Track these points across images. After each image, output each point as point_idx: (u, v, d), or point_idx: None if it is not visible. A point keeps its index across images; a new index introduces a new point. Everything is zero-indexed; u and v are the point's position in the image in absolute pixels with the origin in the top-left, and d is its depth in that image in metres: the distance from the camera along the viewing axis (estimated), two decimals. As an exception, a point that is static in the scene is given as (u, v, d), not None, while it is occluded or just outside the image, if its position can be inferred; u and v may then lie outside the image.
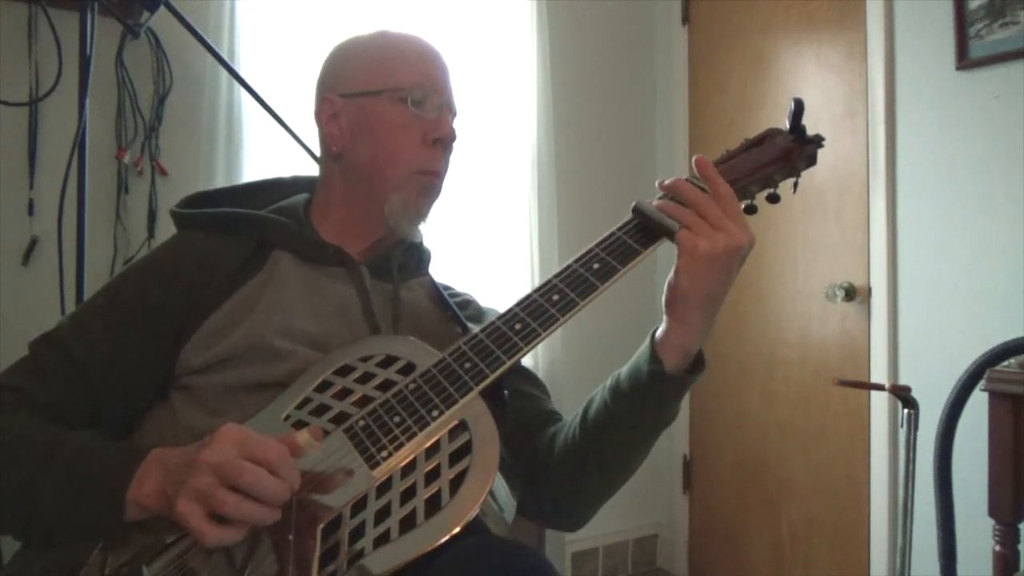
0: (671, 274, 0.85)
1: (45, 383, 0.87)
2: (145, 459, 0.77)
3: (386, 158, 0.98)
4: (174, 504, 0.70)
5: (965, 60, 1.94)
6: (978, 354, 1.62)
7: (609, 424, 0.90)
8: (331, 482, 0.76)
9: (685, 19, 2.83)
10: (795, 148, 0.97)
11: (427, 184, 1.01)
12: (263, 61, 2.07)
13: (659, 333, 0.88)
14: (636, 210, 0.87)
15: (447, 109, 1.01)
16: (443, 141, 1.00)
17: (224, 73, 1.94)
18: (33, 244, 1.85)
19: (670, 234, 0.84)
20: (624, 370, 0.91)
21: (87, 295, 1.64)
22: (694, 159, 0.87)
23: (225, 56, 1.91)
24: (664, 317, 0.87)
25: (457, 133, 1.03)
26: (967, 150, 1.96)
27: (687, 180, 0.88)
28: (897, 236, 2.12)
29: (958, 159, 1.98)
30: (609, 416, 0.90)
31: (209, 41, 1.84)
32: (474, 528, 0.75)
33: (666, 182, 0.88)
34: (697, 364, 0.89)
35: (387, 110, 0.98)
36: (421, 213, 1.02)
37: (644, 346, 0.89)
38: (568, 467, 0.93)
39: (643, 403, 0.88)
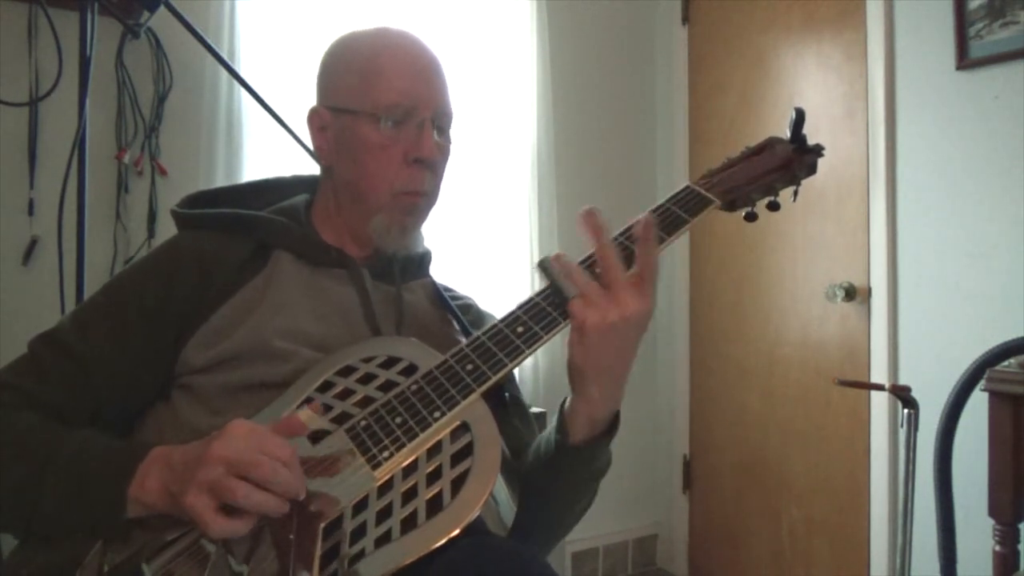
0: (566, 346, 0.82)
1: (45, 381, 0.87)
2: (147, 456, 0.77)
3: (367, 180, 0.97)
4: (182, 498, 0.70)
5: (965, 60, 1.94)
6: (978, 354, 1.63)
7: (539, 479, 0.91)
8: (338, 465, 0.76)
9: (685, 19, 2.83)
10: (795, 157, 0.98)
11: (410, 205, 0.98)
12: (263, 61, 2.07)
13: (567, 403, 0.87)
14: (540, 267, 0.83)
15: (430, 125, 0.96)
16: (423, 161, 0.97)
17: (224, 73, 1.94)
18: (33, 244, 1.85)
19: (564, 301, 0.81)
20: (544, 434, 0.92)
21: (87, 295, 1.64)
22: (642, 220, 0.82)
23: (225, 56, 1.91)
24: (570, 388, 0.86)
25: (447, 146, 1.00)
26: (967, 150, 1.96)
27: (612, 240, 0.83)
28: (897, 236, 2.12)
29: (958, 159, 1.98)
30: (538, 473, 0.91)
31: (209, 41, 1.84)
32: (474, 529, 0.75)
33: (589, 220, 0.80)
34: (612, 427, 0.87)
35: (365, 131, 0.95)
36: (407, 231, 1.00)
37: (554, 418, 0.88)
38: (519, 506, 0.92)
39: (559, 469, 0.88)
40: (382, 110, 0.95)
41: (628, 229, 0.87)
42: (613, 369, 0.81)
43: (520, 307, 0.86)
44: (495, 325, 0.85)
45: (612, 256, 0.80)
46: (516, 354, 0.83)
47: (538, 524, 0.93)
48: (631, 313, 0.78)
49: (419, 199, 0.99)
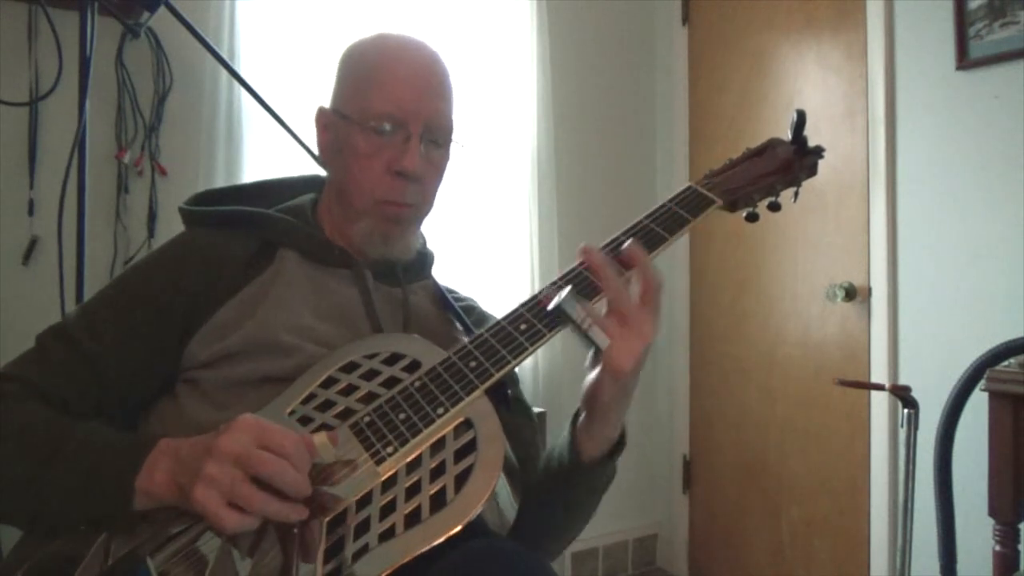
0: (591, 381, 0.85)
1: (51, 374, 0.87)
2: (154, 448, 0.77)
3: (352, 184, 0.98)
4: (190, 491, 0.70)
5: (965, 60, 1.94)
6: (978, 354, 1.62)
7: (549, 491, 0.93)
8: (335, 476, 0.76)
9: (685, 19, 2.83)
10: (796, 159, 0.99)
11: (390, 214, 0.98)
12: (263, 61, 2.07)
13: (580, 423, 0.90)
14: (559, 314, 0.83)
15: (417, 140, 0.95)
16: (404, 174, 0.95)
17: (224, 73, 1.94)
18: (33, 244, 1.85)
19: (598, 350, 0.82)
20: (555, 449, 0.94)
21: (87, 295, 1.64)
22: (626, 250, 0.87)
23: (225, 56, 1.91)
24: (583, 409, 0.89)
25: (440, 161, 0.99)
26: (967, 150, 1.96)
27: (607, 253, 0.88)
28: (897, 236, 2.12)
29: (958, 159, 1.98)
30: (548, 484, 0.94)
31: (209, 41, 1.84)
32: (475, 526, 0.75)
33: (588, 255, 0.86)
34: (619, 443, 0.91)
35: (355, 137, 0.96)
36: (389, 239, 0.99)
37: (565, 433, 0.91)
38: (523, 512, 0.93)
39: (574, 483, 0.92)
40: (371, 119, 0.95)
41: (614, 241, 0.91)
42: (631, 392, 0.86)
43: (523, 305, 0.87)
44: (498, 323, 0.86)
45: (623, 289, 0.84)
46: (519, 351, 0.83)
47: (549, 533, 0.96)
48: (651, 338, 0.82)
49: (400, 209, 0.98)
